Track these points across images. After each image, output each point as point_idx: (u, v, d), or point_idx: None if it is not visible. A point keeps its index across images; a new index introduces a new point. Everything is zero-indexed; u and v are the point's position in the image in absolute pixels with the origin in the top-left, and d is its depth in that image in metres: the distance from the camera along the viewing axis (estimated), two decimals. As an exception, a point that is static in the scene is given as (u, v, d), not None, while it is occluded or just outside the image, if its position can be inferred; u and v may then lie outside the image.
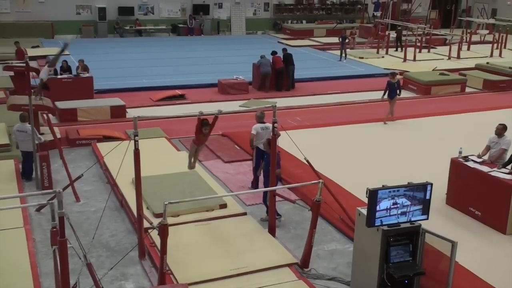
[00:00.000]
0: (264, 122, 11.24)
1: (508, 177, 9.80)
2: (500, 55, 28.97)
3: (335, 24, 36.57)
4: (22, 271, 8.13)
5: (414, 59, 26.85)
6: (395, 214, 7.38)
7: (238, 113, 16.07)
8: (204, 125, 9.31)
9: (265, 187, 10.21)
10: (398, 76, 21.88)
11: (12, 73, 17.04)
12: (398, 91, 16.63)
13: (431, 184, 7.53)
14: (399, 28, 31.55)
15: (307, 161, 10.08)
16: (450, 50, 28.20)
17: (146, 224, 8.77)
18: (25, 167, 12.02)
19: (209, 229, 9.59)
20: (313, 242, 8.54)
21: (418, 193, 7.45)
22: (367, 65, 26.12)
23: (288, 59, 20.96)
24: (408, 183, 7.55)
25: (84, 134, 14.45)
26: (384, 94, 16.63)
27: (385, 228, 7.36)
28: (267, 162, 10.09)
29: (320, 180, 8.44)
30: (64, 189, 8.85)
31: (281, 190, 10.40)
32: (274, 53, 21.13)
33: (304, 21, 37.80)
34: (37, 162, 11.48)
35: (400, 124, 16.40)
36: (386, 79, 22.24)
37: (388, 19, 34.73)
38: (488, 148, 10.92)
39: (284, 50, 21.66)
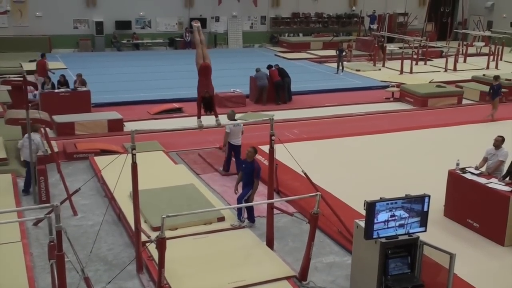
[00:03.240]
0: (235, 120, 12.75)
1: (505, 188, 9.80)
2: (496, 67, 29.04)
3: (332, 37, 36.73)
4: (20, 286, 8.08)
5: (411, 72, 26.94)
6: (393, 226, 7.39)
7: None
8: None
9: (242, 196, 10.29)
10: (395, 89, 22.14)
11: (9, 87, 17.08)
12: (499, 94, 18.30)
13: (429, 196, 7.54)
14: (382, 41, 31.64)
15: (305, 173, 10.09)
16: (446, 62, 28.28)
17: (144, 237, 8.74)
18: (27, 177, 11.96)
19: (207, 243, 9.57)
20: (311, 255, 8.52)
21: (416, 205, 7.47)
22: (364, 77, 26.19)
23: (282, 72, 21.06)
24: (406, 195, 7.56)
25: (82, 147, 14.44)
26: (488, 96, 18.78)
27: (383, 240, 7.36)
28: (246, 172, 10.17)
29: (318, 193, 8.44)
30: (61, 203, 8.84)
31: (279, 203, 10.40)
32: (269, 66, 21.28)
33: (300, 34, 37.95)
34: (35, 176, 11.44)
35: (398, 136, 16.42)
36: (383, 92, 22.60)
37: (385, 31, 34.88)
38: (485, 160, 10.95)
39: (276, 65, 21.78)
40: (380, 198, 7.42)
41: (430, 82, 23.86)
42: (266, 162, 10.59)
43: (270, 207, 9.42)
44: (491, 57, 29.74)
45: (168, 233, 8.32)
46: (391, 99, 21.93)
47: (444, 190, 10.79)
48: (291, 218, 10.07)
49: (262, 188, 10.66)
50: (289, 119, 18.21)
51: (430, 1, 39.10)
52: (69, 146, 14.49)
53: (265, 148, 10.97)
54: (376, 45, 30.54)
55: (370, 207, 7.23)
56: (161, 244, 7.24)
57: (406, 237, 7.50)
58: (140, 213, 8.86)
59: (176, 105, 19.63)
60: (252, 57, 31.84)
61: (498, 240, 9.74)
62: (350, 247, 8.87)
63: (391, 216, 7.32)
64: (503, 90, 21.88)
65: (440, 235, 9.66)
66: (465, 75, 26.00)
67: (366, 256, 7.66)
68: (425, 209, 7.52)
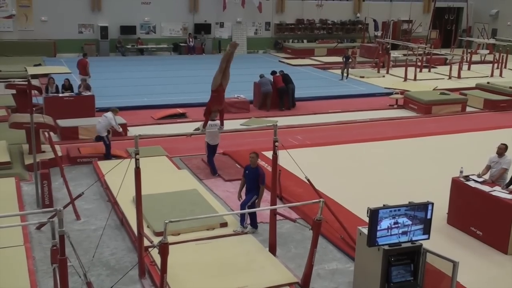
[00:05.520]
0: (214, 120, 12.40)
1: (509, 196, 9.78)
2: (500, 74, 29.05)
3: (336, 44, 36.78)
4: (22, 290, 8.09)
5: (415, 79, 26.92)
6: (396, 234, 7.37)
7: (239, 131, 16.12)
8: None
9: (246, 202, 10.28)
10: (399, 96, 22.13)
11: (14, 91, 17.14)
12: None
13: (432, 204, 7.53)
14: (387, 47, 31.72)
15: (308, 180, 10.08)
16: (450, 69, 28.29)
17: (146, 242, 8.74)
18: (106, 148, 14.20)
19: (210, 248, 9.56)
20: (314, 261, 8.49)
21: (419, 213, 7.46)
22: (368, 84, 26.19)
23: (286, 79, 21.11)
24: (409, 202, 7.56)
25: (85, 152, 14.47)
26: None
27: (386, 247, 7.35)
28: (250, 178, 10.17)
29: (321, 199, 8.42)
30: (64, 207, 8.84)
31: (282, 209, 10.39)
32: (273, 73, 21.32)
33: (305, 41, 38.02)
34: (38, 180, 11.45)
35: (402, 143, 16.40)
36: (387, 98, 22.58)
37: (389, 38, 34.92)
38: (488, 167, 10.92)
39: (281, 71, 21.84)
40: (383, 205, 7.41)
41: (434, 89, 23.83)
42: (269, 168, 10.59)
43: (273, 213, 9.41)
44: (496, 65, 29.73)
45: (170, 238, 8.32)
46: (395, 106, 21.93)
47: (448, 197, 10.77)
48: (294, 224, 10.06)
49: (265, 194, 10.63)
50: (292, 125, 18.20)
51: (434, 9, 39.13)
52: (73, 151, 14.51)
53: (269, 154, 10.99)
54: (381, 52, 30.55)
55: (373, 214, 7.22)
56: (163, 249, 7.23)
57: (409, 244, 7.48)
58: (143, 218, 8.86)
59: (180, 110, 19.63)
60: (256, 63, 31.87)
61: (501, 248, 9.71)
62: (353, 254, 8.86)
63: (394, 223, 7.32)
64: (506, 98, 21.99)
65: (443, 243, 9.64)
66: (469, 83, 25.98)
67: (368, 263, 7.64)
68: (428, 216, 7.51)
